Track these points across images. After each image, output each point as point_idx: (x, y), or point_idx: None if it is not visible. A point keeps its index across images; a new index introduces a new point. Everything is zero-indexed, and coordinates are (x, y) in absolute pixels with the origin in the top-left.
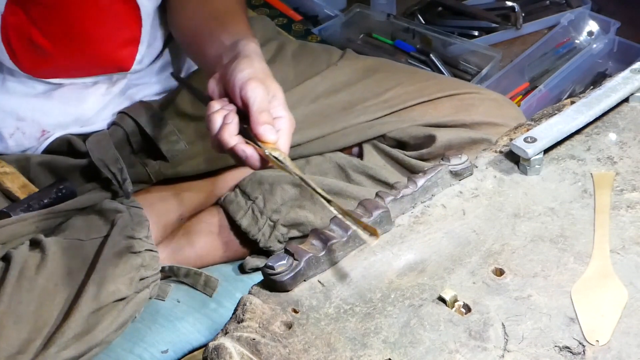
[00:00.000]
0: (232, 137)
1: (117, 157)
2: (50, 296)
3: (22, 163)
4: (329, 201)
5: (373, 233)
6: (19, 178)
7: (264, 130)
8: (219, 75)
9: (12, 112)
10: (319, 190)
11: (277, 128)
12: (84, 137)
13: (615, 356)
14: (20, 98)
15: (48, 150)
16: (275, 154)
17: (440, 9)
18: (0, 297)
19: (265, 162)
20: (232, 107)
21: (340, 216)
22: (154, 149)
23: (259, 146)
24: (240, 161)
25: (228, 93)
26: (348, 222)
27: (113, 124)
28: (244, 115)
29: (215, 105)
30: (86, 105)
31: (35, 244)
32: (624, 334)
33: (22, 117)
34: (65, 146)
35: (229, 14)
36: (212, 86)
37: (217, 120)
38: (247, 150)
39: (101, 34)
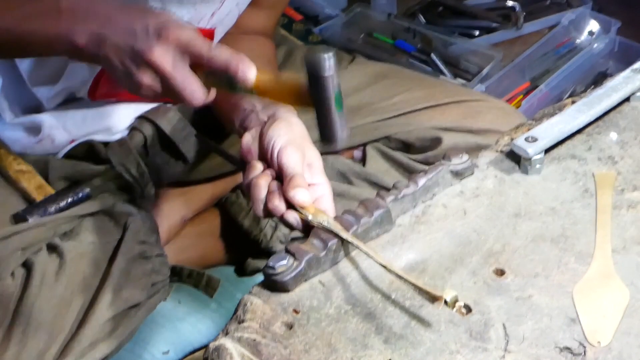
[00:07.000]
0: (281, 204)
1: (138, 161)
2: (66, 303)
3: (41, 165)
4: (384, 265)
5: (435, 298)
6: (35, 177)
7: (294, 193)
8: (256, 132)
9: (45, 120)
10: (372, 254)
11: (320, 193)
12: (106, 142)
13: (616, 357)
14: (55, 110)
15: (69, 154)
16: (321, 219)
17: (441, 8)
18: (24, 307)
19: (310, 226)
20: (271, 171)
21: (401, 277)
22: (171, 152)
23: (299, 211)
24: (290, 226)
25: (264, 153)
26: (409, 285)
27: (133, 128)
28: (281, 179)
29: (258, 166)
30: (118, 118)
31: (52, 249)
32: (625, 335)
33: (55, 125)
34: (85, 150)
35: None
36: (248, 141)
37: (263, 186)
38: (298, 218)
39: None
